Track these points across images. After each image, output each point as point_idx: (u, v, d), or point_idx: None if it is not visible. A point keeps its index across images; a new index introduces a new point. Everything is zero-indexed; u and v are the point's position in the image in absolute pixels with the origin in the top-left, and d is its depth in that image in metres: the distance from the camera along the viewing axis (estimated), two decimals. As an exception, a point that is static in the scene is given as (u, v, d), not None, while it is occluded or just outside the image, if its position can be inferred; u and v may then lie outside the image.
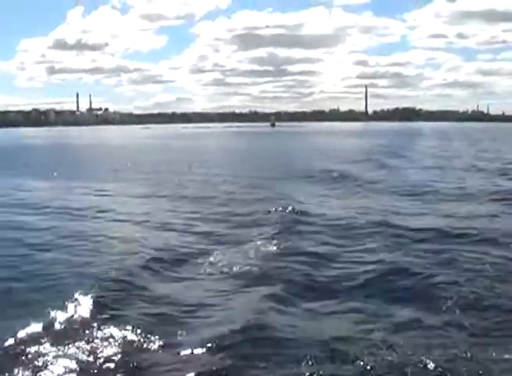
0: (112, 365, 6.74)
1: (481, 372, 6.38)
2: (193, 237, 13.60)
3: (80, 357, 6.88)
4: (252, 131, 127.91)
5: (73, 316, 8.08)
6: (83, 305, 8.35)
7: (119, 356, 6.94)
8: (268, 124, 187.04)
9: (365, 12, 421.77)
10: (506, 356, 6.77)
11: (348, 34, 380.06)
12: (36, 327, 7.58)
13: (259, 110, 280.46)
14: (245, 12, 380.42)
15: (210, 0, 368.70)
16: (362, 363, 6.59)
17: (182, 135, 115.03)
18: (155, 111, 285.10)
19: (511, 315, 8.06)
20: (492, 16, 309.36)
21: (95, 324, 7.76)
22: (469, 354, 6.77)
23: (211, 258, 11.41)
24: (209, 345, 7.03)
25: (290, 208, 16.32)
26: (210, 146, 64.65)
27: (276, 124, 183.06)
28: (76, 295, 8.63)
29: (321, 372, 6.40)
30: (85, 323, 7.85)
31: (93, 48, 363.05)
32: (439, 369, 6.41)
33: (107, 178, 27.50)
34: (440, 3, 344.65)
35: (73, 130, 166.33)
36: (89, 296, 8.60)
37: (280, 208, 16.40)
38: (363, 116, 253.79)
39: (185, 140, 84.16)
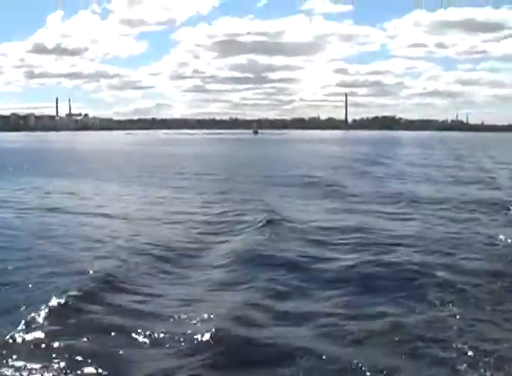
0: (95, 361, 6.81)
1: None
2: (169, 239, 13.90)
3: (62, 353, 6.99)
4: (235, 138, 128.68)
5: (53, 310, 8.27)
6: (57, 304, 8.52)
7: (101, 352, 7.09)
8: (250, 131, 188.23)
9: (345, 20, 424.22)
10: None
11: (329, 41, 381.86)
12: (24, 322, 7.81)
13: (239, 117, 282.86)
14: (226, 19, 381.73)
15: (191, 6, 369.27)
16: (340, 362, 6.90)
17: (165, 141, 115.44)
18: (135, 117, 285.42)
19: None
20: (472, 27, 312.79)
21: (72, 320, 8.07)
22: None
23: (187, 262, 11.70)
24: (190, 344, 7.26)
25: (267, 214, 16.61)
26: (193, 153, 64.83)
27: (259, 131, 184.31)
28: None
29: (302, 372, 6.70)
30: (65, 317, 8.11)
31: (73, 52, 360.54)
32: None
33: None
34: (420, 13, 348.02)
35: (54, 135, 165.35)
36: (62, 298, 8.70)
37: (260, 214, 16.70)
38: (343, 124, 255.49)
39: (169, 146, 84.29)
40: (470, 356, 7.03)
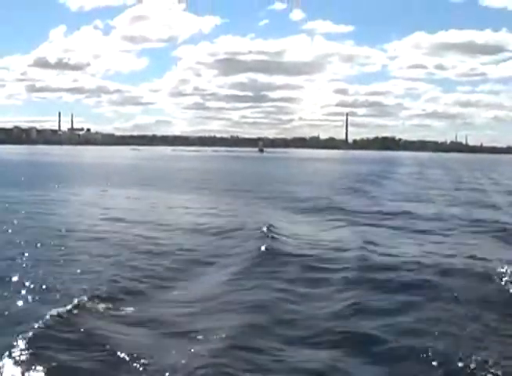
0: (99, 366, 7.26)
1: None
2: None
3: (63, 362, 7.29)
4: (243, 156, 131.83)
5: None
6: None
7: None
8: (255, 149, 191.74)
9: (346, 41, 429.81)
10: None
11: (329, 62, 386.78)
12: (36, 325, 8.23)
13: (239, 135, 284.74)
14: (227, 37, 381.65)
15: (193, 24, 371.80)
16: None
17: (179, 157, 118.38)
18: (134, 133, 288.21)
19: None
20: (471, 49, 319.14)
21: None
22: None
23: (184, 282, 11.80)
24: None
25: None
26: (216, 168, 68.17)
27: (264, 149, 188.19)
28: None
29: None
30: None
31: (74, 67, 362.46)
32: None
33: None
34: (420, 35, 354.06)
35: (61, 149, 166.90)
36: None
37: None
38: (343, 144, 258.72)
39: (189, 162, 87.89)
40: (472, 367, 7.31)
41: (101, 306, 9.53)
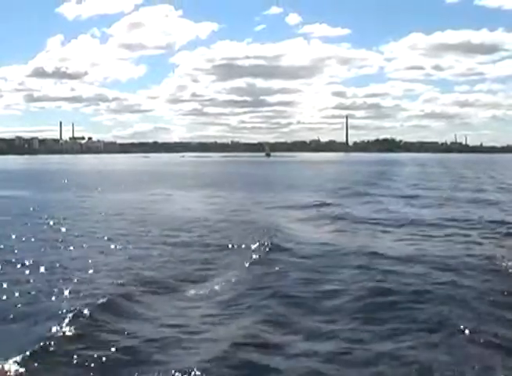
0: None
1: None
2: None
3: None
4: (252, 161, 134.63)
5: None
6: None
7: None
8: (261, 154, 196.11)
9: (343, 43, 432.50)
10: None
11: (326, 65, 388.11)
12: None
13: (238, 140, 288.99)
14: (224, 43, 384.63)
15: (190, 30, 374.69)
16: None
17: (194, 163, 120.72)
18: (134, 140, 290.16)
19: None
20: (468, 49, 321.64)
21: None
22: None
23: (198, 283, 11.97)
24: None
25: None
26: (237, 172, 70.49)
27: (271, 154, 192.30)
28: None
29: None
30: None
31: (72, 76, 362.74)
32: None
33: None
34: (416, 36, 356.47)
35: (67, 158, 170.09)
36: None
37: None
38: (344, 146, 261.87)
39: (207, 168, 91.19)
40: None
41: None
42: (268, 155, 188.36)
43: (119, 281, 11.73)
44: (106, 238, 17.40)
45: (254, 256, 14.14)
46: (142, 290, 11.19)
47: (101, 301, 9.97)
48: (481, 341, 8.21)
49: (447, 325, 8.79)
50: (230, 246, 15.78)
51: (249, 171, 75.01)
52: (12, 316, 9.53)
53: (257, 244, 15.60)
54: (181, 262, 13.97)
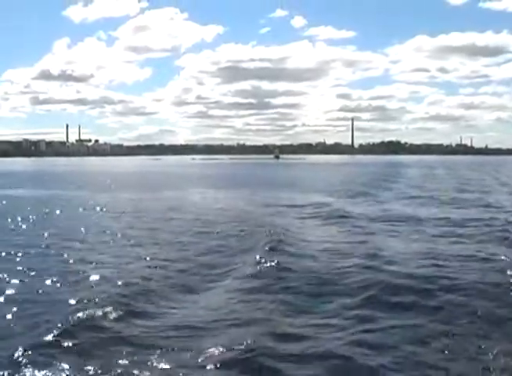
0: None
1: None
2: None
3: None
4: (262, 163, 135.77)
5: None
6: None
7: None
8: (270, 156, 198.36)
9: (348, 46, 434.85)
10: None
11: (332, 67, 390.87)
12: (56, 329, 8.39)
13: (243, 142, 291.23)
14: (229, 46, 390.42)
15: (195, 33, 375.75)
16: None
17: (208, 165, 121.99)
18: (139, 143, 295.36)
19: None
20: (473, 51, 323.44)
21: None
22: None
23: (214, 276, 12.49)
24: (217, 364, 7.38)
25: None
26: (254, 174, 71.93)
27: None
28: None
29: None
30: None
31: (78, 79, 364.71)
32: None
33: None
34: (421, 38, 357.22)
35: (77, 161, 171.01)
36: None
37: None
38: (349, 149, 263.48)
39: (223, 169, 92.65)
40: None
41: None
42: (277, 157, 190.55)
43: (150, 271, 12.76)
44: (177, 237, 18.37)
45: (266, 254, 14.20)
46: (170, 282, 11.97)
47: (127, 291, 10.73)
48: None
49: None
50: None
51: (266, 173, 76.68)
52: (35, 303, 10.16)
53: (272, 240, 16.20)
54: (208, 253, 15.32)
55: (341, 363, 7.46)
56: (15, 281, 11.78)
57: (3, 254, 15.02)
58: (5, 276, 12.18)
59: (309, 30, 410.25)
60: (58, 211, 25.72)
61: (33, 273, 12.56)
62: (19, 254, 14.80)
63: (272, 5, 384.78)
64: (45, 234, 18.59)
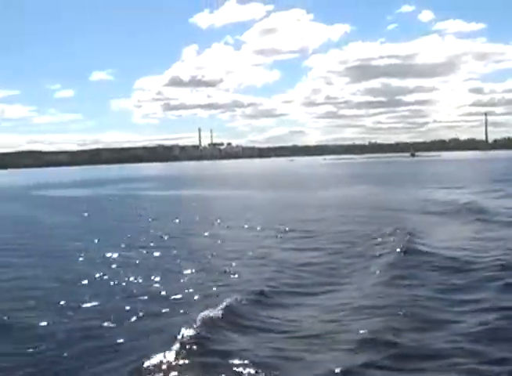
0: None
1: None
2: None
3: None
4: (399, 161, 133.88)
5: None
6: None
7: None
8: (406, 154, 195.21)
9: (478, 38, 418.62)
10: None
11: (462, 61, 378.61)
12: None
13: (375, 141, 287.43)
14: (357, 44, 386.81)
15: (322, 33, 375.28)
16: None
17: (345, 165, 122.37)
18: (269, 145, 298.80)
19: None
20: None
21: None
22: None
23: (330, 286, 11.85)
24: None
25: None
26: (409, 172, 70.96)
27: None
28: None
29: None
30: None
31: (208, 84, 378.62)
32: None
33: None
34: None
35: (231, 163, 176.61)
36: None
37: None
38: (484, 145, 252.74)
39: (364, 169, 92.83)
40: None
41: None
42: (413, 155, 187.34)
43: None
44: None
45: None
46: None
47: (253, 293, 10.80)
48: None
49: None
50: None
51: (413, 171, 75.96)
52: (167, 301, 10.69)
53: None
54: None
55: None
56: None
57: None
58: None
59: (437, 24, 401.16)
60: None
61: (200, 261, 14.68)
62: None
63: (398, 0, 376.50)
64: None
